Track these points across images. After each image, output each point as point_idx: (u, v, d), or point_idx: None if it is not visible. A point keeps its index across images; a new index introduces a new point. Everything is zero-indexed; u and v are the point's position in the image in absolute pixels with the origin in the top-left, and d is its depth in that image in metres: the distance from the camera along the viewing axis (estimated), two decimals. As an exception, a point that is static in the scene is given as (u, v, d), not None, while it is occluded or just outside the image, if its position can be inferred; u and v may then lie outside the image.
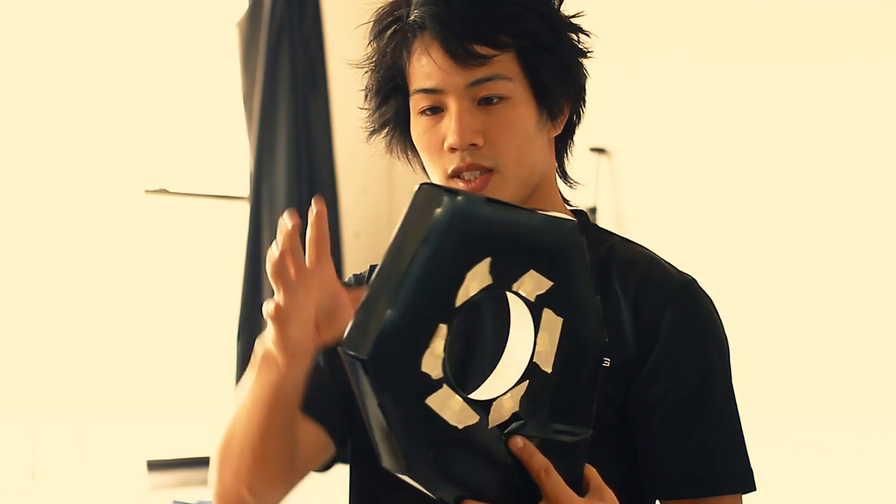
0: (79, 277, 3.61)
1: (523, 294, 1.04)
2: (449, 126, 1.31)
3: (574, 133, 1.43)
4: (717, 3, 3.52)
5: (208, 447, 4.82)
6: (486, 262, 1.01)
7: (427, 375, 0.99)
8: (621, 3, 3.81)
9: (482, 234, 1.02)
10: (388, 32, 1.36)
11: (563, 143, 1.44)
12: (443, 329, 0.99)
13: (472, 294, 1.01)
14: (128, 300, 3.70)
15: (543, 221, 1.05)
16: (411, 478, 1.01)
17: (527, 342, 1.05)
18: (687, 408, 1.30)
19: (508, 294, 1.04)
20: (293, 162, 4.13)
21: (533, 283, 1.04)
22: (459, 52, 1.29)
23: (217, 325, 4.22)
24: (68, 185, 3.61)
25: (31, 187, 3.55)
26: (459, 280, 1.00)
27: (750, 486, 1.32)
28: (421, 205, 1.02)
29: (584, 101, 1.39)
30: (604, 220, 3.77)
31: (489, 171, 1.32)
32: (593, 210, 3.78)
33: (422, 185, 1.04)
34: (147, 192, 3.95)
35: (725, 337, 1.36)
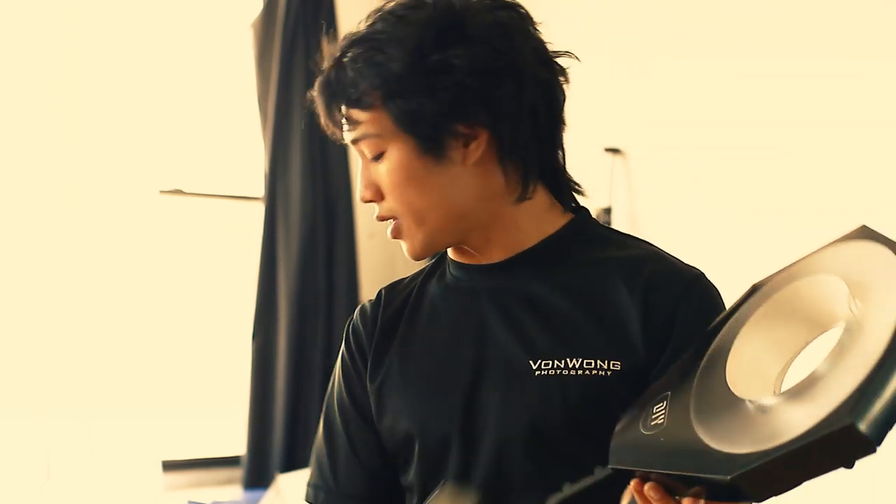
0: (94, 278, 3.61)
1: None
2: None
3: (557, 140, 1.40)
4: (731, 5, 3.51)
5: (223, 447, 4.80)
6: None
7: None
8: (635, 4, 3.80)
9: None
10: None
11: (546, 153, 1.39)
12: None
13: None
14: (142, 300, 3.71)
15: None
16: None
17: None
18: None
19: None
20: (308, 162, 4.13)
21: None
22: (335, 117, 1.40)
23: (232, 325, 4.23)
24: (83, 186, 3.62)
25: (46, 188, 3.56)
26: None
27: None
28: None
29: (501, 115, 1.33)
30: (618, 220, 3.76)
31: (396, 218, 1.38)
32: (608, 210, 3.77)
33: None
34: (162, 192, 3.95)
35: None
